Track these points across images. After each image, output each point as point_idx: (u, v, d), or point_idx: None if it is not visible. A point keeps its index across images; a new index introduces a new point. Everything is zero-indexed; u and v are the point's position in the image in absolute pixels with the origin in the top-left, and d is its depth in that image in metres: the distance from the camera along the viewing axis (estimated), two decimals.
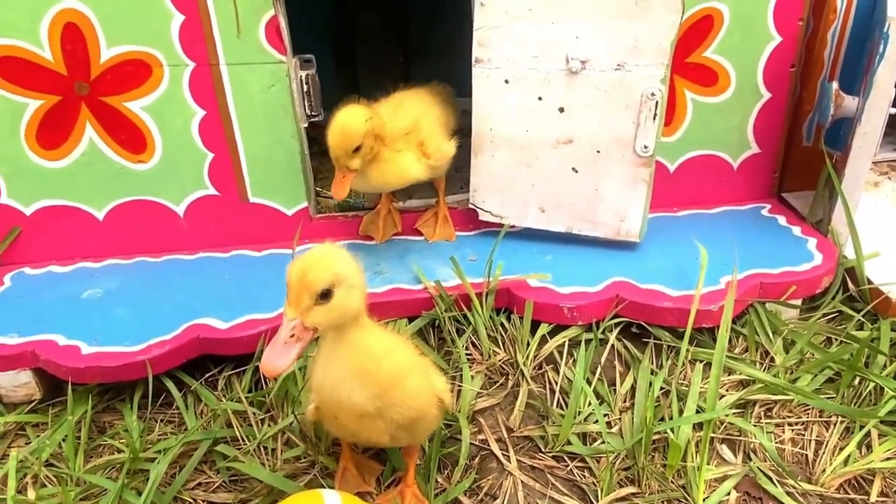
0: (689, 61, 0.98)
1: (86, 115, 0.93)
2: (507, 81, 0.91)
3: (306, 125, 0.98)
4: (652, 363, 0.86)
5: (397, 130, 0.93)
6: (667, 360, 0.86)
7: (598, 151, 0.92)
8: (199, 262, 1.01)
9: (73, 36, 0.88)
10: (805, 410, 0.81)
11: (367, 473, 0.75)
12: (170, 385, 0.85)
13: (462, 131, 1.15)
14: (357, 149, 0.85)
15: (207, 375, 0.88)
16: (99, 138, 0.94)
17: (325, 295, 0.51)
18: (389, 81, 1.03)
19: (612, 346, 0.89)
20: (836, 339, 0.89)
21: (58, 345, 0.85)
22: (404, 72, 1.46)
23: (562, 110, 0.91)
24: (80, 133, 0.94)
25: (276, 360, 0.50)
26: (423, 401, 0.62)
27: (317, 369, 0.59)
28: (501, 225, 1.00)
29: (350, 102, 0.87)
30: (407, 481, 0.73)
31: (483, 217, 1.01)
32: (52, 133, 0.93)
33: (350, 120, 0.85)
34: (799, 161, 1.07)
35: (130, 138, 0.95)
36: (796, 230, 1.01)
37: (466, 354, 0.88)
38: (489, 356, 0.88)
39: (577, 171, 0.94)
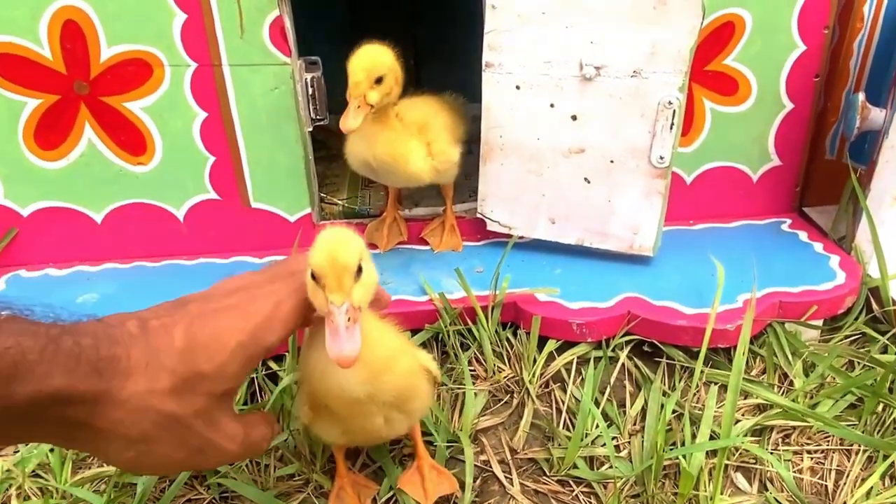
0: (708, 69, 0.94)
1: (85, 116, 0.91)
2: (518, 87, 0.87)
3: (311, 129, 0.96)
4: (664, 384, 0.82)
5: (409, 122, 0.89)
6: (680, 381, 0.82)
7: (612, 161, 0.88)
8: (199, 268, 0.98)
9: (73, 34, 0.86)
10: (825, 438, 0.77)
11: (363, 493, 0.72)
12: None
13: (473, 138, 1.12)
14: (380, 80, 0.79)
15: None
16: (98, 139, 0.92)
17: (359, 272, 0.50)
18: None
19: (623, 364, 0.85)
20: (859, 363, 0.85)
21: None
22: (415, 76, 1.43)
23: (574, 118, 0.87)
24: (79, 133, 0.91)
25: (347, 346, 0.47)
26: (413, 380, 0.61)
27: (310, 356, 0.57)
28: (510, 236, 0.96)
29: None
30: (420, 454, 0.71)
31: (491, 227, 0.98)
32: (51, 133, 0.91)
33: (378, 48, 0.79)
34: (822, 174, 1.03)
35: (130, 140, 0.92)
36: (818, 247, 0.97)
37: (470, 371, 0.84)
38: (494, 373, 0.84)
39: (589, 182, 0.90)
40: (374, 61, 0.79)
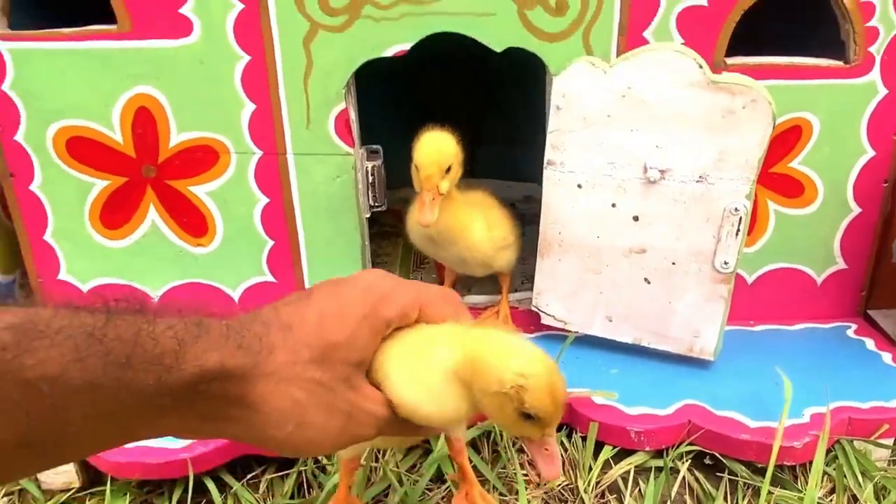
0: (773, 171, 0.93)
1: (150, 198, 0.92)
2: (579, 186, 0.87)
3: (368, 216, 0.96)
4: (727, 502, 0.79)
5: (467, 197, 0.91)
6: (743, 498, 0.79)
7: (674, 263, 0.87)
8: None
9: (144, 120, 0.88)
10: None
11: None
12: (210, 485, 0.81)
13: (524, 218, 1.12)
14: (448, 169, 0.81)
15: (250, 476, 0.84)
16: (161, 220, 0.93)
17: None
18: None
19: (683, 477, 0.81)
20: None
21: None
22: (471, 156, 1.44)
23: (636, 219, 0.86)
24: (144, 214, 0.93)
25: (557, 467, 0.51)
26: None
27: (390, 363, 0.52)
28: (564, 329, 0.94)
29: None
30: (468, 480, 0.68)
31: (546, 321, 0.96)
32: (116, 213, 0.93)
33: (443, 137, 0.82)
34: (888, 278, 1.00)
35: (193, 222, 0.94)
36: (886, 357, 0.93)
37: (522, 474, 0.82)
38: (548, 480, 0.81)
39: (649, 282, 0.89)
40: (442, 153, 0.81)
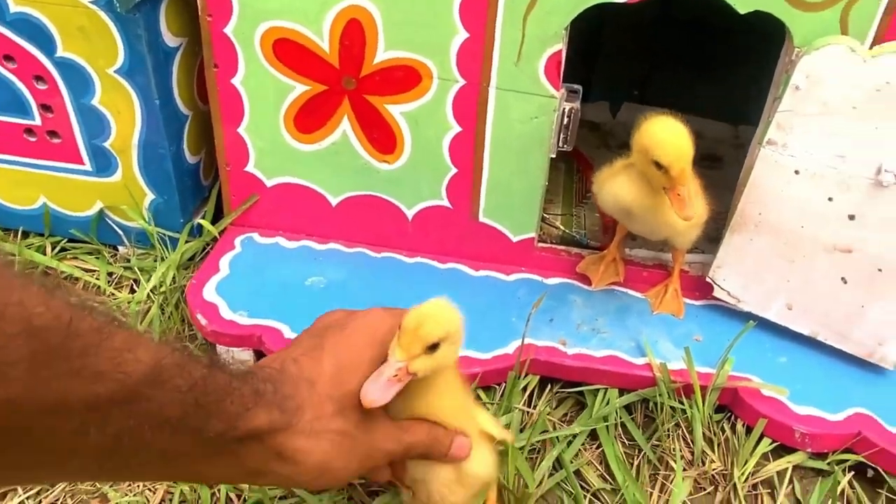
0: None
1: (345, 109, 0.92)
2: (797, 172, 0.81)
3: (554, 156, 0.94)
4: None
5: None
6: None
7: (880, 270, 0.82)
8: (416, 267, 1.01)
9: (353, 32, 0.86)
10: None
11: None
12: None
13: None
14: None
15: None
16: (352, 132, 0.94)
17: (433, 347, 0.54)
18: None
19: (841, 486, 0.81)
20: None
21: (283, 335, 0.88)
22: (644, 80, 1.36)
23: (852, 218, 0.81)
24: (336, 124, 0.93)
25: (377, 393, 0.52)
26: None
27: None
28: (731, 304, 0.92)
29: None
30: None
31: (718, 294, 0.94)
32: (310, 118, 0.93)
33: (679, 128, 0.76)
34: None
35: (382, 138, 0.93)
36: None
37: (673, 451, 0.83)
38: (703, 462, 0.83)
39: (845, 282, 0.85)
40: (688, 144, 0.75)
